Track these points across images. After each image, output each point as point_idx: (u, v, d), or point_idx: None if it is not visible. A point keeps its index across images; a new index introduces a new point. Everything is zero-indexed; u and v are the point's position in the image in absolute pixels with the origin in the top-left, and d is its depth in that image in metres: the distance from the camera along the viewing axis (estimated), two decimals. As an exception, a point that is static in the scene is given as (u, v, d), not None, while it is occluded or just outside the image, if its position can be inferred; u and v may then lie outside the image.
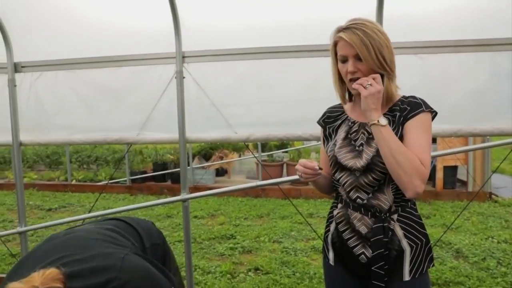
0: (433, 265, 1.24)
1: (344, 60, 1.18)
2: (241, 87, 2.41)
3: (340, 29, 1.17)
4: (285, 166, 7.30)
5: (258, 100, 2.41)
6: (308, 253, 3.70)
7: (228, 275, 3.21)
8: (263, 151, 8.15)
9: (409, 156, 1.09)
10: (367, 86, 1.11)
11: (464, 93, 2.16)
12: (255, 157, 6.18)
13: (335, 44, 1.20)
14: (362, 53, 1.13)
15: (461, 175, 6.35)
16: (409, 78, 2.20)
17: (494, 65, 2.14)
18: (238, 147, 9.54)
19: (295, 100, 2.35)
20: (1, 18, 2.46)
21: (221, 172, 7.86)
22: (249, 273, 3.28)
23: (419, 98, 1.20)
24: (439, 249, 3.69)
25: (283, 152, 7.91)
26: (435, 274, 3.09)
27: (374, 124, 1.11)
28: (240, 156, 8.53)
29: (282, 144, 8.29)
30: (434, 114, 1.19)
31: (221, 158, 7.85)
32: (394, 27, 2.16)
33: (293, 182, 6.38)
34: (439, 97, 2.18)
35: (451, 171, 5.97)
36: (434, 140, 6.55)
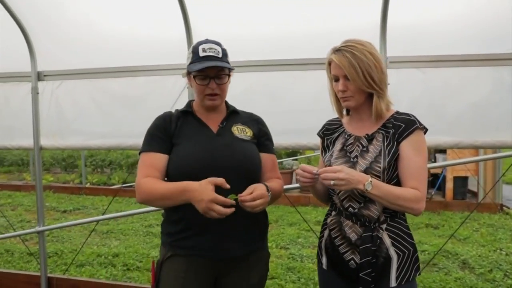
0: (419, 274, 1.31)
1: (336, 79, 1.28)
2: (249, 98, 2.50)
3: (334, 50, 1.26)
4: (294, 174, 7.35)
5: (265, 110, 2.44)
6: (314, 260, 3.76)
7: (235, 279, 3.29)
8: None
9: (404, 195, 1.20)
10: (333, 183, 1.15)
11: (465, 106, 2.21)
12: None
13: (329, 64, 1.29)
14: (349, 74, 1.22)
15: (472, 186, 6.31)
16: (410, 91, 2.28)
17: (495, 79, 2.19)
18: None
19: (302, 111, 2.43)
20: (28, 31, 2.63)
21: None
22: (255, 277, 3.36)
23: (412, 115, 1.28)
24: (445, 259, 3.70)
25: (292, 160, 7.99)
26: (439, 284, 3.12)
27: (364, 192, 1.18)
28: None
29: (292, 152, 8.37)
30: (425, 130, 1.28)
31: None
32: (397, 38, 2.27)
33: (301, 189, 6.43)
34: (440, 109, 2.25)
35: (461, 181, 5.94)
36: (444, 151, 6.53)
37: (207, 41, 1.38)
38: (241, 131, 1.41)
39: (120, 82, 2.62)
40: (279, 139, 2.51)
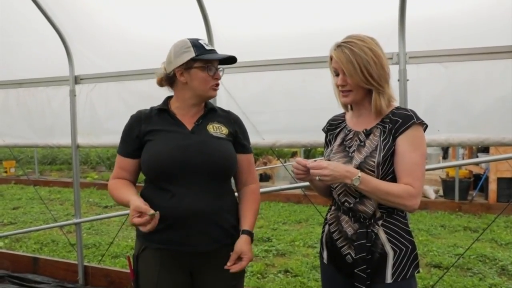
0: (418, 272, 1.27)
1: (337, 74, 1.29)
2: (268, 96, 2.56)
3: (335, 46, 1.27)
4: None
5: (284, 108, 2.54)
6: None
7: (258, 275, 3.35)
8: (307, 157, 8.20)
9: (394, 191, 1.19)
10: (318, 179, 1.18)
11: (492, 101, 2.10)
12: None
13: (331, 59, 1.30)
14: (347, 70, 1.23)
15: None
16: (432, 87, 2.21)
17: (524, 72, 2.06)
18: (283, 153, 9.65)
19: (319, 108, 2.41)
20: (66, 38, 2.86)
21: (265, 177, 8.03)
22: (279, 274, 3.39)
23: (410, 110, 1.26)
24: (481, 264, 3.50)
25: (326, 159, 7.89)
26: (471, 289, 2.97)
27: (352, 186, 1.19)
28: (285, 162, 8.63)
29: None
30: (425, 126, 1.25)
31: (265, 163, 8.02)
32: (417, 33, 2.20)
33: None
34: (465, 105, 2.15)
35: (506, 183, 5.55)
36: (487, 150, 6.14)
37: (198, 39, 1.42)
38: (217, 129, 1.41)
39: (147, 83, 2.76)
40: (298, 137, 2.53)
